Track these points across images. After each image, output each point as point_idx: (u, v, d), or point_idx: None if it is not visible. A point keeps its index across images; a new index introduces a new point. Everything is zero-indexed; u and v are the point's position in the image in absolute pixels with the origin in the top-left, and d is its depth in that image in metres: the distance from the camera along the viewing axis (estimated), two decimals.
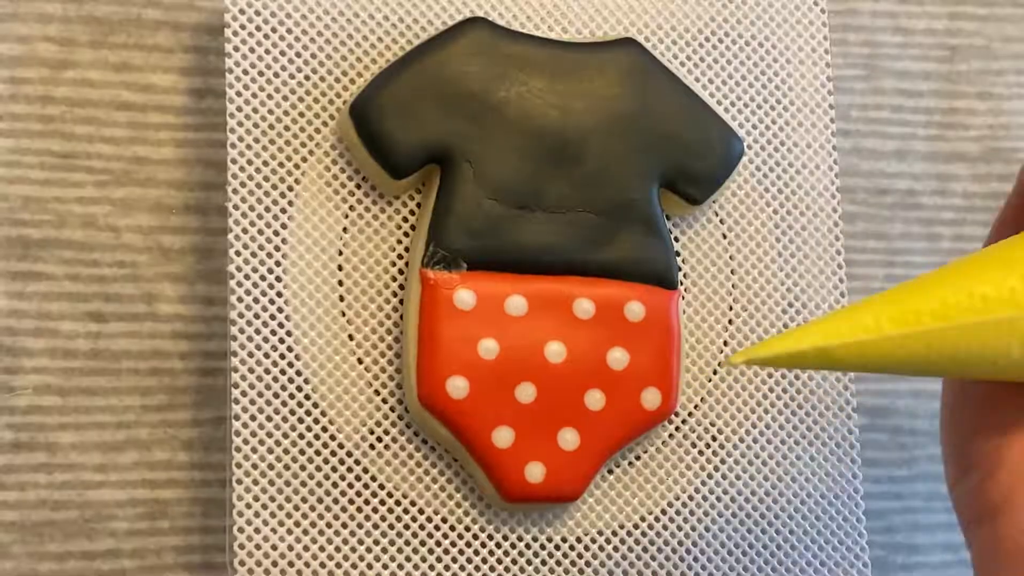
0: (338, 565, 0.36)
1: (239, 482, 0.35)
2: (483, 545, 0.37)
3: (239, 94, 0.37)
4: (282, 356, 0.36)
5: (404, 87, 0.36)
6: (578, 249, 0.37)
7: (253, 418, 0.36)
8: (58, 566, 0.38)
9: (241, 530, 0.35)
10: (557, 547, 0.37)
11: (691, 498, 0.38)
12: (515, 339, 0.36)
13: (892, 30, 0.45)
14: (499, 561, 0.37)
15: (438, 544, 0.36)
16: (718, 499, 0.39)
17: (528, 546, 0.37)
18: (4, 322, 0.38)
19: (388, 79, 0.36)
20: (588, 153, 0.37)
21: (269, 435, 0.36)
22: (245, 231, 0.36)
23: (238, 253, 0.36)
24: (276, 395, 0.36)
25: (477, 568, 0.37)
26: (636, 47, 0.38)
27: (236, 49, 0.37)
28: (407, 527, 0.36)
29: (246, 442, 0.35)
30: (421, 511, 0.36)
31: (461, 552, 0.37)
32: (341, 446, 0.36)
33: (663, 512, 0.38)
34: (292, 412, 0.36)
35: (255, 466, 0.35)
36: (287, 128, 0.37)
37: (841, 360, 0.30)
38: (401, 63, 0.36)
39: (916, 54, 0.45)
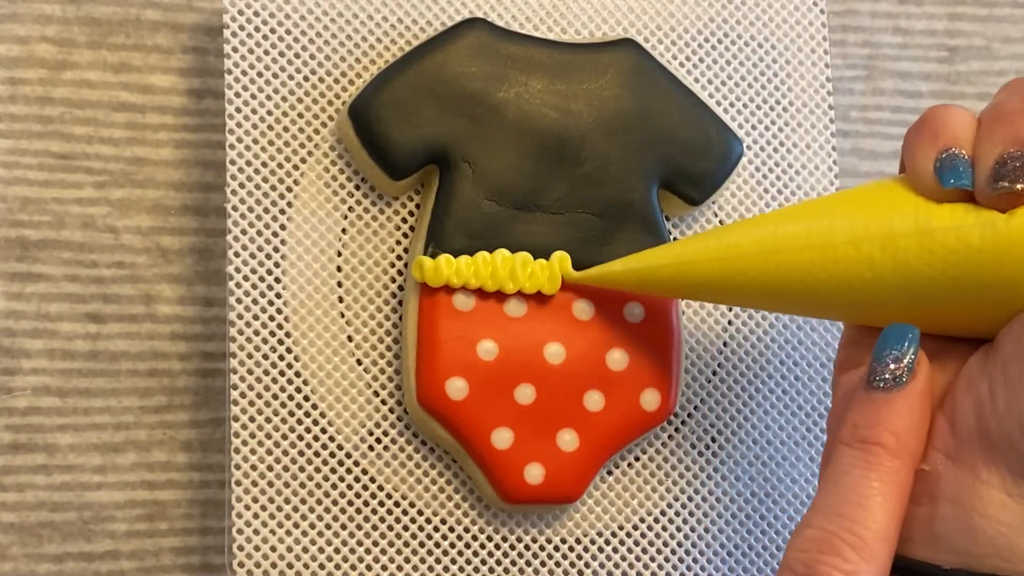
0: (337, 567, 0.36)
1: (238, 483, 0.35)
2: (482, 546, 0.37)
3: (238, 95, 0.36)
4: (281, 357, 0.36)
5: (403, 88, 0.36)
6: (577, 249, 0.37)
7: (252, 419, 0.35)
8: (56, 567, 0.38)
9: (240, 531, 0.35)
10: (556, 548, 0.37)
11: (691, 499, 0.38)
12: (514, 340, 0.36)
13: (892, 31, 0.45)
14: (498, 562, 0.37)
15: (437, 545, 0.36)
16: (717, 500, 0.38)
17: (527, 547, 0.37)
18: (2, 323, 0.38)
19: (387, 80, 0.36)
20: (587, 154, 0.37)
21: (268, 436, 0.36)
22: (244, 232, 0.36)
23: (237, 254, 0.36)
24: (275, 396, 0.36)
25: (476, 569, 0.37)
26: (635, 48, 0.38)
27: (235, 50, 0.37)
28: (406, 528, 0.36)
29: (245, 443, 0.35)
30: (420, 512, 0.36)
31: (460, 553, 0.36)
32: (340, 447, 0.36)
33: (662, 513, 0.38)
34: (291, 413, 0.36)
35: (254, 467, 0.35)
36: (286, 129, 0.37)
37: (646, 281, 0.35)
38: (400, 64, 0.36)
39: (916, 55, 0.45)
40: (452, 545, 0.36)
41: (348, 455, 0.36)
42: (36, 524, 0.38)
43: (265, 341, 0.36)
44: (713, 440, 0.39)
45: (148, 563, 0.38)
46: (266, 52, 0.37)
